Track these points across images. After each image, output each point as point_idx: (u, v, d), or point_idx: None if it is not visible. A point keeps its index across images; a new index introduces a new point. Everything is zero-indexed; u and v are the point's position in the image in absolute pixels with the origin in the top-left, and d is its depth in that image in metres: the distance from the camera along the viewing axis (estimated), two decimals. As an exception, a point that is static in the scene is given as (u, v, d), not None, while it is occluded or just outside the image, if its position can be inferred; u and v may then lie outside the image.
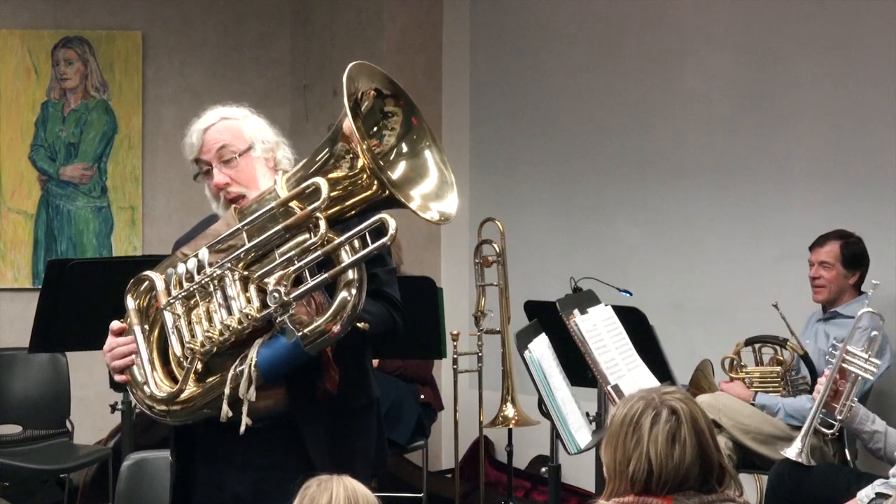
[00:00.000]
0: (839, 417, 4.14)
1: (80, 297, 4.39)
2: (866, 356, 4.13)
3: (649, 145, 6.02)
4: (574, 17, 6.33)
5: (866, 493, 3.94)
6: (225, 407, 2.80)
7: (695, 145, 5.86)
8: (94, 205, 6.96)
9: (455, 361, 5.53)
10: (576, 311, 4.00)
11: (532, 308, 4.58)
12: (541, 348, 3.87)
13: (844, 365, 4.12)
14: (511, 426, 5.45)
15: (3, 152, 6.87)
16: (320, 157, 2.78)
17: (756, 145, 5.63)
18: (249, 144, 3.07)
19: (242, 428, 2.80)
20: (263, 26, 7.19)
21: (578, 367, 4.01)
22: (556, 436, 3.92)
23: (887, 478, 3.94)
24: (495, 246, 5.64)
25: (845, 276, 4.98)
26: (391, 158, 2.80)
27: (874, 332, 4.25)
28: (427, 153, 2.82)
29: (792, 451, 4.24)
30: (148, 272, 2.97)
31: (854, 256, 4.97)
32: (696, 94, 5.84)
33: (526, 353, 3.79)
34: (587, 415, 3.98)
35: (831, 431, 4.26)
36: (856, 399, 4.16)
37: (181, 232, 3.29)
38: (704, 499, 2.33)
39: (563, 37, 6.38)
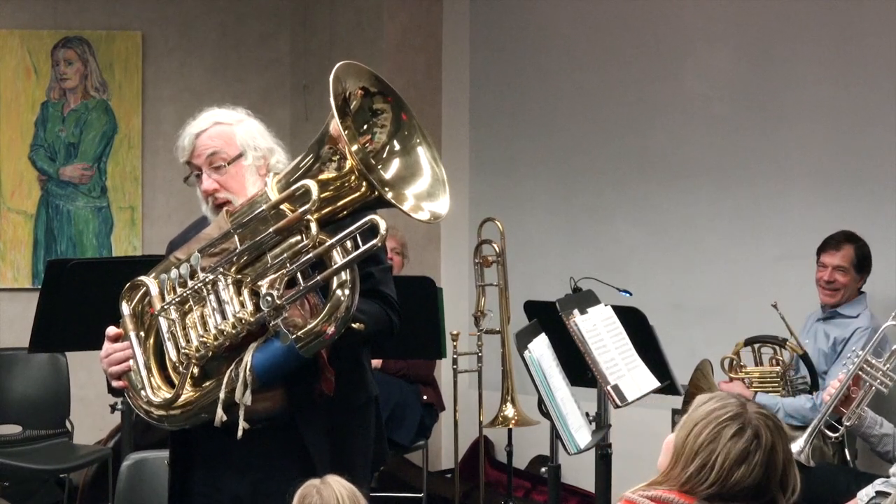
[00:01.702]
0: (847, 423, 4.13)
1: (80, 297, 4.39)
2: (885, 368, 4.10)
3: (649, 145, 6.02)
4: (574, 17, 6.33)
5: (866, 492, 3.93)
6: (220, 411, 2.80)
7: (695, 145, 5.86)
8: (94, 205, 6.96)
9: (455, 361, 5.53)
10: (576, 311, 4.00)
11: (532, 308, 4.57)
12: (540, 348, 3.86)
13: (861, 373, 4.11)
14: (511, 426, 5.45)
15: (3, 152, 6.87)
16: (310, 158, 2.77)
17: (756, 145, 5.63)
18: (240, 152, 3.06)
19: (240, 432, 2.79)
20: (263, 26, 7.19)
21: (578, 367, 4.01)
22: (555, 436, 3.92)
23: (888, 477, 3.93)
24: (495, 246, 5.64)
25: (856, 280, 4.98)
26: (384, 156, 2.79)
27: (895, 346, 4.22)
28: (419, 150, 2.81)
29: (794, 448, 4.23)
30: (142, 277, 2.96)
31: (865, 260, 4.99)
32: (696, 94, 5.84)
33: (526, 353, 3.79)
34: (587, 415, 3.98)
35: (835, 435, 4.25)
36: (866, 407, 4.16)
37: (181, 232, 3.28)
38: None
39: (563, 37, 6.38)
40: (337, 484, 2.42)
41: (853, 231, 5.04)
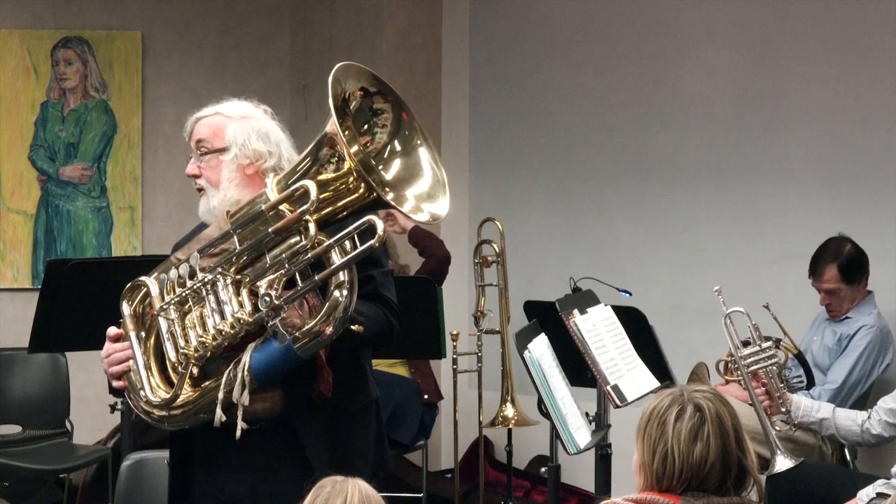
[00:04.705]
0: (783, 411, 4.31)
1: (80, 297, 4.38)
2: (759, 347, 4.30)
3: (649, 145, 6.03)
4: (574, 17, 6.33)
5: (866, 492, 3.93)
6: (219, 412, 2.80)
7: (695, 145, 5.86)
8: (94, 205, 6.96)
9: (455, 361, 5.53)
10: (575, 312, 4.00)
11: (531, 308, 4.58)
12: (540, 348, 3.87)
13: (753, 369, 4.28)
14: (510, 426, 5.45)
15: (2, 152, 6.86)
16: (309, 159, 2.78)
17: (756, 145, 5.63)
18: (225, 146, 3.06)
19: (238, 432, 2.80)
20: (263, 26, 7.19)
21: (578, 367, 4.02)
22: (555, 436, 3.92)
23: (888, 478, 3.93)
24: (495, 246, 5.64)
25: (852, 291, 4.95)
26: (385, 157, 2.79)
27: (748, 326, 4.35)
28: (420, 151, 2.82)
29: (778, 467, 4.19)
30: (143, 277, 2.97)
31: (853, 268, 4.92)
32: (696, 94, 5.84)
33: (525, 353, 3.79)
34: (587, 415, 3.98)
35: (790, 425, 4.40)
36: (784, 388, 4.34)
37: (180, 232, 3.29)
38: (713, 500, 2.34)
39: (563, 37, 6.38)
40: (354, 487, 2.38)
41: (841, 230, 5.02)
